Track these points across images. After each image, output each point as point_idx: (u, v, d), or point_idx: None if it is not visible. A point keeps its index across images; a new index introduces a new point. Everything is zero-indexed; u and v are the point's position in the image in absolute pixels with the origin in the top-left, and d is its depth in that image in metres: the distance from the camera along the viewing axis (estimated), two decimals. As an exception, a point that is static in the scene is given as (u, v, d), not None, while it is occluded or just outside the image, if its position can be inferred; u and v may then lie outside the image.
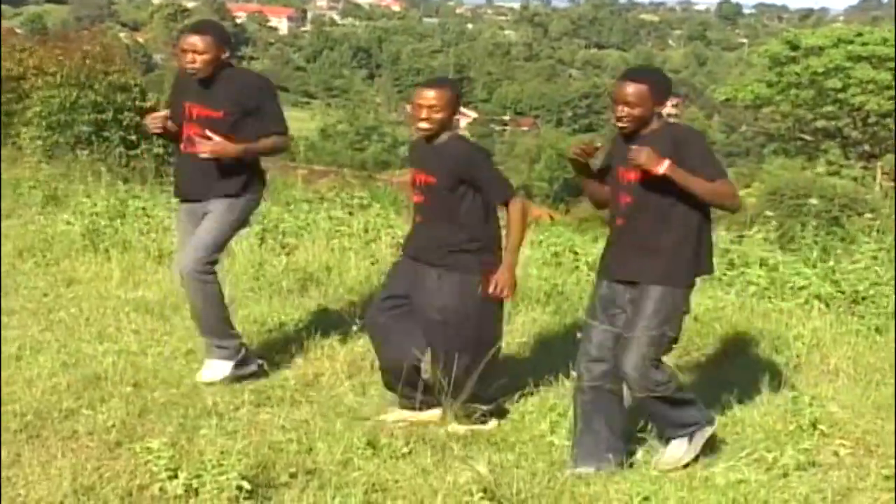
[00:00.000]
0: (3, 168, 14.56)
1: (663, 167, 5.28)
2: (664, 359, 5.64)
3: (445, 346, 5.99)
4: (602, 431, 5.67)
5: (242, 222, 6.88)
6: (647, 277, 5.48)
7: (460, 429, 6.07)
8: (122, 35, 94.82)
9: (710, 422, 5.78)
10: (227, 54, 6.62)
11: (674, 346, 5.70)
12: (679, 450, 5.67)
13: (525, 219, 6.07)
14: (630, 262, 5.54)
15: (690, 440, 5.68)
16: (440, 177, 6.01)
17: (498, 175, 6.14)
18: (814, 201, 11.79)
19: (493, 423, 6.23)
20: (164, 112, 6.77)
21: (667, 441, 5.74)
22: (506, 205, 6.02)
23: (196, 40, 6.50)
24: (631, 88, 5.41)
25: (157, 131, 6.75)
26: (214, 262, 6.72)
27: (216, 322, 6.81)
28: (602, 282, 5.71)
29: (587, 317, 5.79)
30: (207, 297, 6.72)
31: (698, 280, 5.76)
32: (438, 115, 6.01)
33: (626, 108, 5.42)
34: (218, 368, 6.75)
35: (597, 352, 5.65)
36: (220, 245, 6.74)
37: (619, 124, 5.51)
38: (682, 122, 5.89)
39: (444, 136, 6.09)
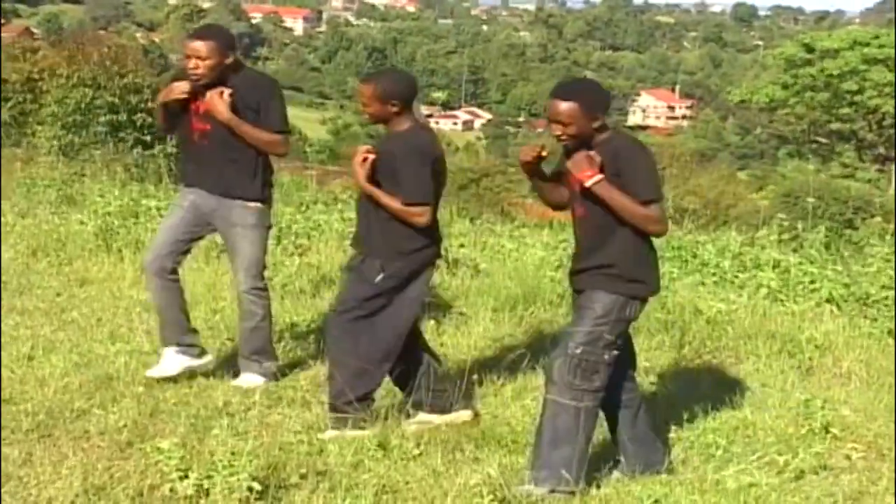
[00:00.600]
0: (18, 167, 14.61)
1: (592, 180, 5.22)
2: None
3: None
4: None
5: (270, 227, 6.94)
6: (590, 285, 5.38)
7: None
8: (138, 35, 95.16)
9: (574, 487, 5.29)
10: (231, 59, 6.57)
11: (614, 352, 5.36)
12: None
13: (411, 218, 5.96)
14: (580, 272, 5.46)
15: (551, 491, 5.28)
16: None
17: (417, 177, 6.00)
18: (811, 200, 11.69)
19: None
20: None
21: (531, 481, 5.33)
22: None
23: (199, 45, 6.47)
24: (561, 107, 5.30)
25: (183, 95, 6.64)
26: (263, 273, 6.82)
27: (266, 340, 6.86)
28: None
29: None
30: (266, 312, 6.81)
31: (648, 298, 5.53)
32: (370, 109, 6.07)
33: (560, 127, 5.33)
34: (251, 381, 6.74)
35: None
36: (264, 257, 6.83)
37: (559, 142, 5.41)
38: (628, 134, 5.76)
39: (403, 125, 6.08)
